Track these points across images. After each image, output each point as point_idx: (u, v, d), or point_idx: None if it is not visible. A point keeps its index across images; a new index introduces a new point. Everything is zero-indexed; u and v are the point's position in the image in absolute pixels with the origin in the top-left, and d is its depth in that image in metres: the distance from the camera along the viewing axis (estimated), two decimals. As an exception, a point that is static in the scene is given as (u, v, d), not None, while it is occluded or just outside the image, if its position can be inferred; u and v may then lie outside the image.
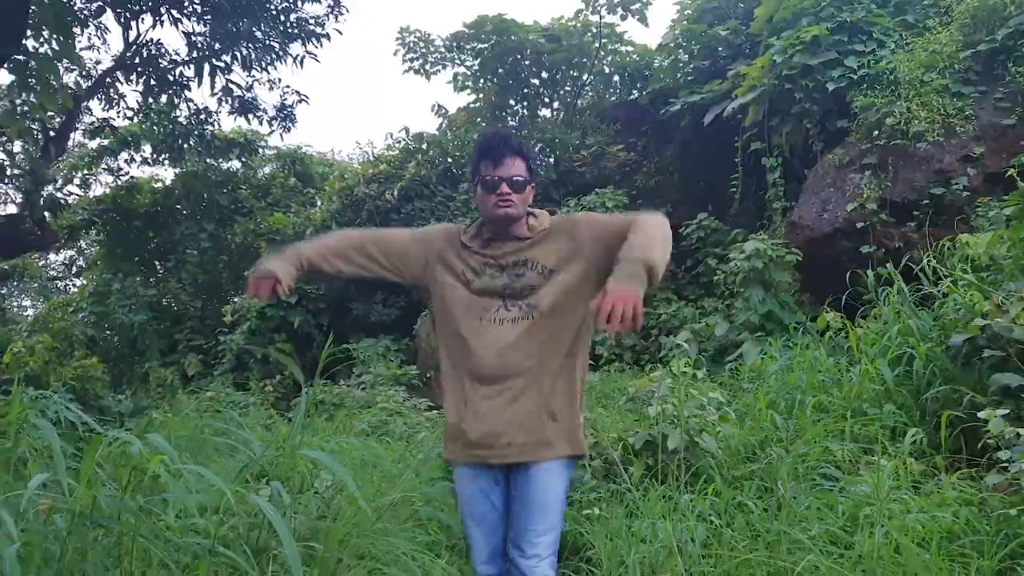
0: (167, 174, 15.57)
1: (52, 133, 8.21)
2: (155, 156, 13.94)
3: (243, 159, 14.67)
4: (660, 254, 2.15)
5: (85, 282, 15.84)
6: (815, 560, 2.28)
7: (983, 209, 6.12)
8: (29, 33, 7.20)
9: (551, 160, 13.47)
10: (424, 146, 13.71)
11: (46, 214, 7.49)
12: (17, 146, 9.58)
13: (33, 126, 7.88)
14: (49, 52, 6.88)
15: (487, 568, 2.39)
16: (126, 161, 13.05)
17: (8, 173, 7.23)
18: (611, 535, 3.26)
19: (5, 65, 6.97)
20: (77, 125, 9.31)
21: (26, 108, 7.17)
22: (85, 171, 13.32)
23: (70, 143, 10.77)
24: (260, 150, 15.19)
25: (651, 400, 4.38)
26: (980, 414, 2.82)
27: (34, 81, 6.90)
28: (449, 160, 13.63)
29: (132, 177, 13.33)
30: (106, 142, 13.58)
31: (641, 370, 8.55)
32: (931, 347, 4.59)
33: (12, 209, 10.35)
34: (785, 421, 4.55)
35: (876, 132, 7.40)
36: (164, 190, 14.61)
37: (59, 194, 9.44)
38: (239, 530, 2.27)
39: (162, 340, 13.78)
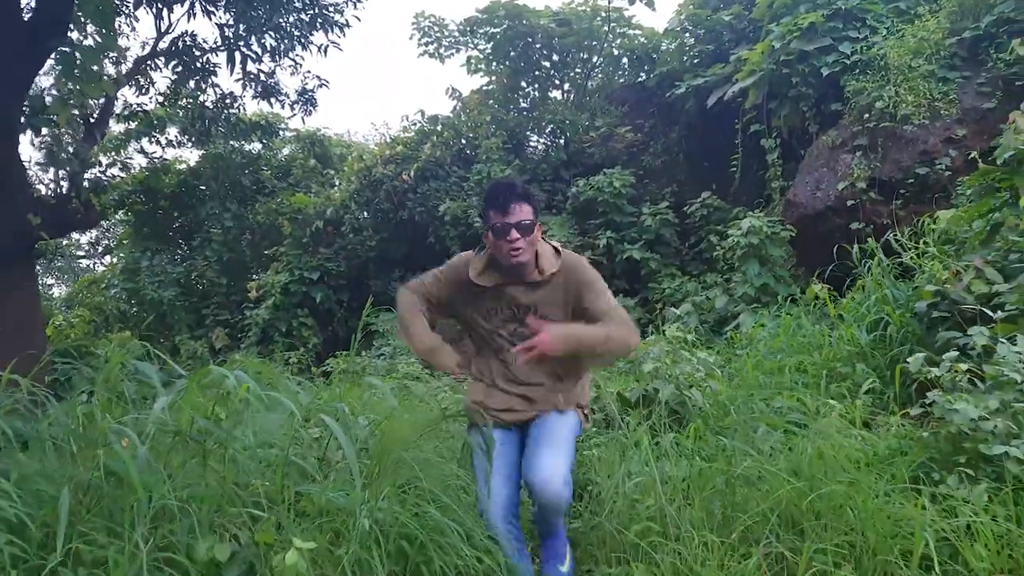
0: (190, 156, 16.14)
1: (92, 119, 8.77)
2: (179, 139, 14.51)
3: (264, 141, 15.19)
4: (595, 347, 2.67)
5: (115, 260, 16.45)
6: (755, 465, 2.80)
7: (962, 188, 6.56)
8: (72, 26, 7.71)
9: (561, 141, 13.91)
10: (439, 128, 14.16)
11: (91, 195, 8.05)
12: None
13: (74, 112, 8.41)
14: (92, 43, 7.38)
15: (503, 523, 2.57)
16: (151, 141, 13.52)
17: (58, 158, 7.76)
18: (609, 473, 3.79)
19: (52, 56, 7.50)
20: (113, 111, 9.83)
21: (70, 97, 7.70)
22: (114, 154, 13.85)
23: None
24: (280, 132, 15.69)
25: (646, 359, 4.90)
26: (914, 361, 3.30)
27: (78, 71, 7.42)
28: (463, 141, 14.08)
29: (163, 159, 13.85)
30: (133, 126, 14.12)
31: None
32: (903, 313, 5.09)
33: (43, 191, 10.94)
34: (768, 379, 5.07)
35: (867, 115, 7.84)
36: (189, 171, 15.15)
37: (103, 176, 10.00)
38: (306, 444, 2.84)
39: (190, 315, 14.39)
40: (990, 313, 3.90)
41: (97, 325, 13.24)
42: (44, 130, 8.19)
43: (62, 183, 9.24)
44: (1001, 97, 7.17)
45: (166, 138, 14.70)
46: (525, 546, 2.70)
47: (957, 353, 3.12)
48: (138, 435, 2.49)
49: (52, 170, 9.92)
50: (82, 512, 2.48)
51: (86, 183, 8.26)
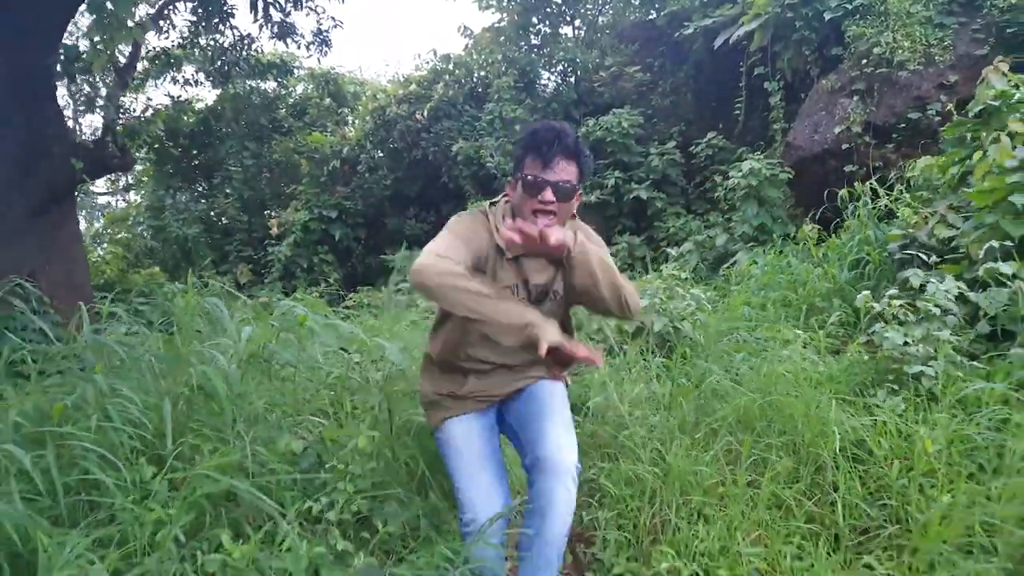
0: (208, 96, 16.46)
1: (121, 65, 9.19)
2: (196, 78, 14.85)
3: (279, 80, 15.51)
4: (597, 260, 2.14)
5: (138, 198, 17.00)
6: (725, 383, 3.39)
7: (943, 135, 6.97)
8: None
9: (572, 80, 14.18)
10: (451, 67, 14.44)
11: (126, 139, 8.53)
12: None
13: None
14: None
15: (498, 530, 2.16)
16: (173, 81, 13.89)
17: (95, 103, 8.24)
18: (605, 392, 4.39)
19: (85, 4, 7.90)
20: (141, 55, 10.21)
21: (102, 44, 8.11)
22: (136, 96, 14.25)
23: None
24: (295, 71, 15.99)
25: (643, 295, 5.46)
26: (858, 298, 3.84)
27: (108, 20, 7.82)
28: (475, 80, 14.37)
29: (184, 100, 14.23)
30: (151, 66, 14.47)
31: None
32: (880, 253, 5.60)
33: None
34: (753, 312, 5.62)
35: (865, 60, 8.16)
36: (208, 110, 15.55)
37: (136, 120, 10.46)
38: (362, 366, 3.46)
39: (214, 251, 15.00)
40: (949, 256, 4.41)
41: (128, 261, 13.89)
42: (79, 77, 8.64)
43: (97, 128, 9.73)
44: (993, 44, 7.47)
45: (183, 77, 15.06)
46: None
47: (896, 290, 3.64)
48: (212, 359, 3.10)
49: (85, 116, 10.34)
50: (180, 419, 3.10)
51: (120, 127, 8.74)
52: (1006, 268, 3.30)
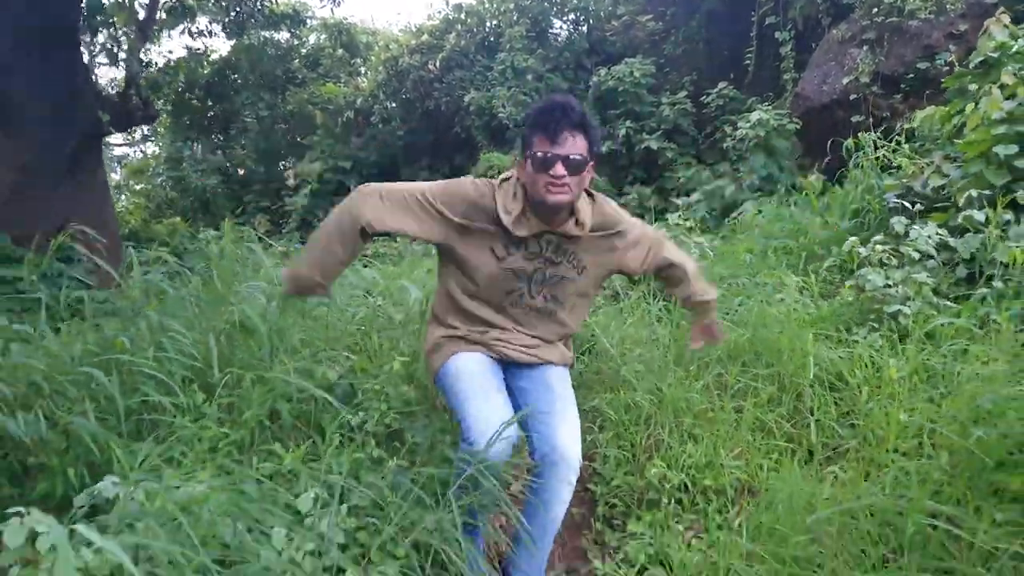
0: (222, 47, 16.55)
1: (141, 17, 9.37)
2: (210, 28, 14.95)
3: (292, 31, 15.61)
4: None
5: (156, 149, 17.28)
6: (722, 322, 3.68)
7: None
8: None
9: (584, 28, 14.20)
10: (463, 16, 14.47)
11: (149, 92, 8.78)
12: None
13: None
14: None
15: (505, 444, 2.10)
16: (189, 34, 14.03)
17: (117, 57, 8.48)
18: (610, 335, 4.70)
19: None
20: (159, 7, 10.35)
21: (124, -1, 8.34)
22: (156, 47, 14.40)
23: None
24: (307, 22, 16.07)
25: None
26: (845, 244, 4.10)
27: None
28: (487, 29, 14.40)
29: (200, 51, 14.38)
30: (166, 17, 14.59)
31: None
32: (879, 203, 5.82)
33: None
34: (755, 260, 5.89)
35: (876, 9, 8.23)
36: (223, 62, 15.69)
37: (157, 74, 10.69)
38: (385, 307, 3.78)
39: (231, 202, 15.31)
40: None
41: (150, 211, 14.25)
42: (101, 31, 8.87)
43: (113, 80, 9.97)
44: (1005, -8, 7.53)
45: (197, 28, 15.17)
46: None
47: (881, 236, 3.90)
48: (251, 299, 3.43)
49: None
50: (223, 351, 3.44)
51: (143, 80, 8.98)
52: (979, 216, 3.55)
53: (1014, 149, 3.75)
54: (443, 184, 2.32)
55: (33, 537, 1.79)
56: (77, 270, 7.86)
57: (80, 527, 1.68)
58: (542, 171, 2.11)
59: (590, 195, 2.33)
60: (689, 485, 2.72)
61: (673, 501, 2.69)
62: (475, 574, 2.21)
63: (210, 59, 15.85)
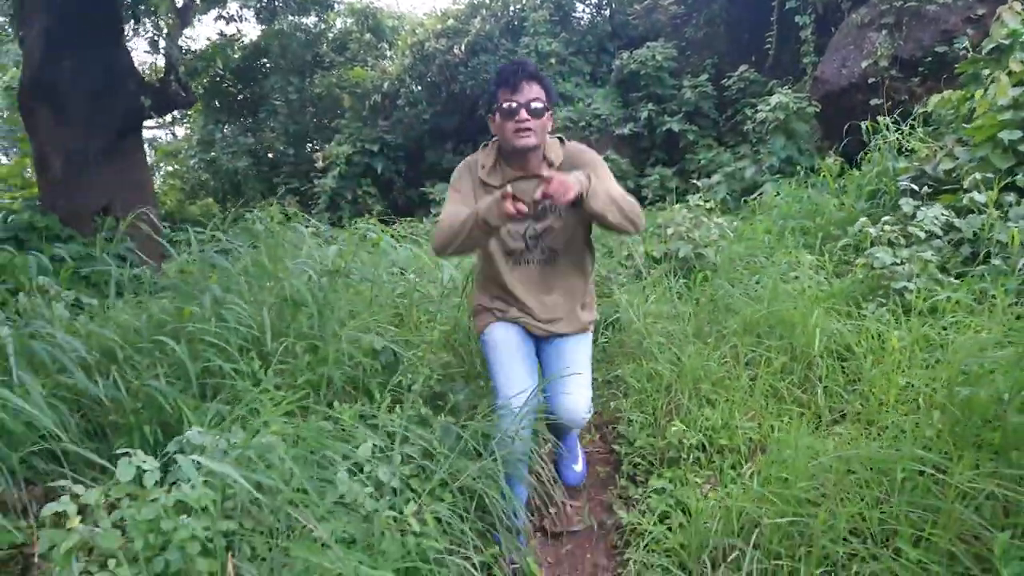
0: (251, 32, 16.81)
1: (179, 5, 9.67)
2: (240, 13, 15.21)
3: (320, 15, 15.86)
4: (604, 198, 2.38)
5: (187, 132, 17.65)
6: (737, 299, 3.93)
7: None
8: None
9: (607, 12, 14.33)
10: (488, 0, 14.64)
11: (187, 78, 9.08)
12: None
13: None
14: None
15: (517, 400, 2.52)
16: (223, 19, 14.31)
17: (159, 44, 8.79)
18: (634, 309, 4.96)
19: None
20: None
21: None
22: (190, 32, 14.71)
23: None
24: (335, 6, 16.31)
25: (670, 225, 5.96)
26: (856, 225, 4.31)
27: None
28: (511, 13, 14.56)
29: (234, 36, 14.67)
30: (200, 3, 14.89)
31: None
32: (894, 185, 6.00)
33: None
34: (773, 240, 6.10)
35: (895, -7, 8.34)
36: (253, 46, 15.98)
37: (195, 60, 11.00)
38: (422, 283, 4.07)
39: (262, 183, 15.65)
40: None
41: (185, 192, 14.63)
42: (143, 19, 9.19)
43: (156, 68, 10.28)
44: (1022, -22, 7.61)
45: (228, 13, 15.45)
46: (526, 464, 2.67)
47: (891, 217, 4.11)
48: (302, 275, 3.73)
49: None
50: (275, 323, 3.74)
51: (182, 67, 9.30)
52: (980, 197, 3.74)
53: (1018, 134, 3.94)
54: (451, 196, 2.68)
55: (140, 474, 2.09)
56: (121, 248, 8.26)
57: (185, 458, 1.99)
58: (508, 118, 2.47)
59: (561, 141, 2.69)
60: (706, 444, 2.98)
61: (691, 459, 2.95)
62: (513, 518, 2.51)
63: (240, 43, 16.15)
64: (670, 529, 2.52)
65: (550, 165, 2.57)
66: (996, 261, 3.46)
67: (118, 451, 2.17)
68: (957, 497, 1.90)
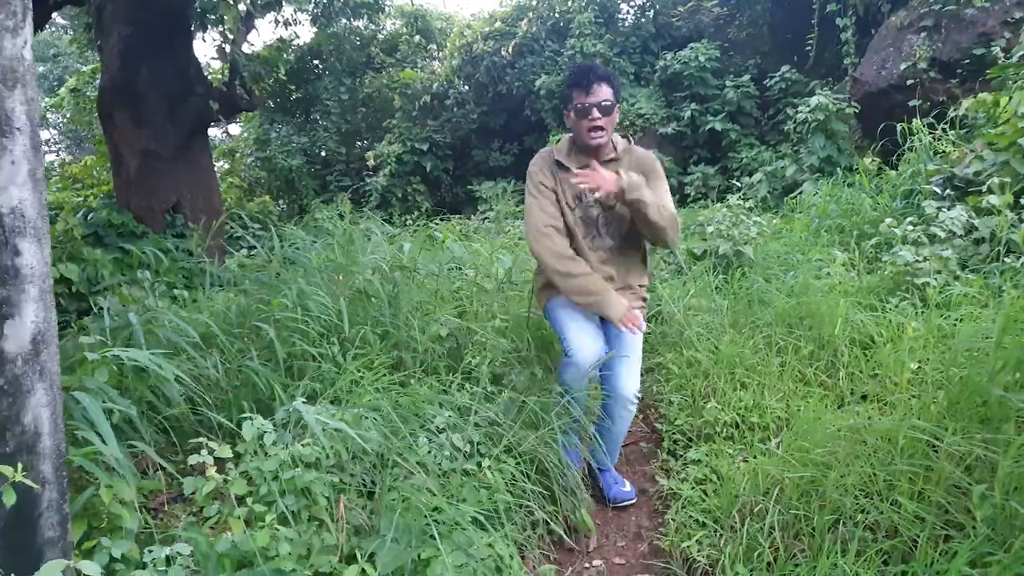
0: (304, 34, 17.31)
1: (242, 12, 10.24)
2: (295, 19, 15.77)
3: (370, 18, 16.36)
4: (654, 207, 2.81)
5: (243, 132, 18.32)
6: (771, 293, 4.27)
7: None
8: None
9: (651, 14, 14.58)
10: (534, 3, 15.01)
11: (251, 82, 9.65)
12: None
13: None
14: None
15: (590, 370, 2.90)
16: (278, 23, 14.85)
17: (225, 51, 9.35)
18: (676, 302, 5.31)
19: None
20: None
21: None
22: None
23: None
24: (386, 9, 16.81)
25: (711, 223, 6.29)
26: (883, 224, 4.60)
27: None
28: (557, 15, 14.90)
29: (289, 40, 15.27)
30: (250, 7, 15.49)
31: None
32: (928, 185, 6.24)
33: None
34: (810, 237, 6.39)
35: (934, -3, 8.52)
36: (307, 48, 16.58)
37: (259, 66, 11.60)
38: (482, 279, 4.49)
39: (315, 181, 16.24)
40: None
41: (243, 190, 15.30)
42: (211, 28, 9.79)
43: (219, 71, 10.86)
44: (1061, -19, 7.75)
45: (283, 17, 16.02)
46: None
47: (915, 217, 4.40)
48: (374, 269, 4.18)
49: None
50: (350, 311, 4.19)
51: (246, 72, 9.87)
52: (995, 200, 4.02)
53: (1037, 141, 4.20)
54: (528, 180, 3.09)
55: (260, 435, 2.53)
56: (189, 244, 8.86)
57: (310, 414, 2.42)
58: (582, 117, 2.86)
59: (626, 138, 3.11)
60: (739, 422, 3.34)
61: (725, 434, 3.32)
62: (568, 477, 2.91)
63: (294, 46, 16.74)
64: (705, 493, 2.89)
65: (615, 149, 2.99)
66: (1008, 259, 3.74)
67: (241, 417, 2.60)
68: (949, 459, 2.25)
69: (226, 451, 2.36)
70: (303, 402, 2.96)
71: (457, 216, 12.93)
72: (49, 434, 1.96)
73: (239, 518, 2.26)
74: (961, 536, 2.05)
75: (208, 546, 2.17)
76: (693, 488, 2.95)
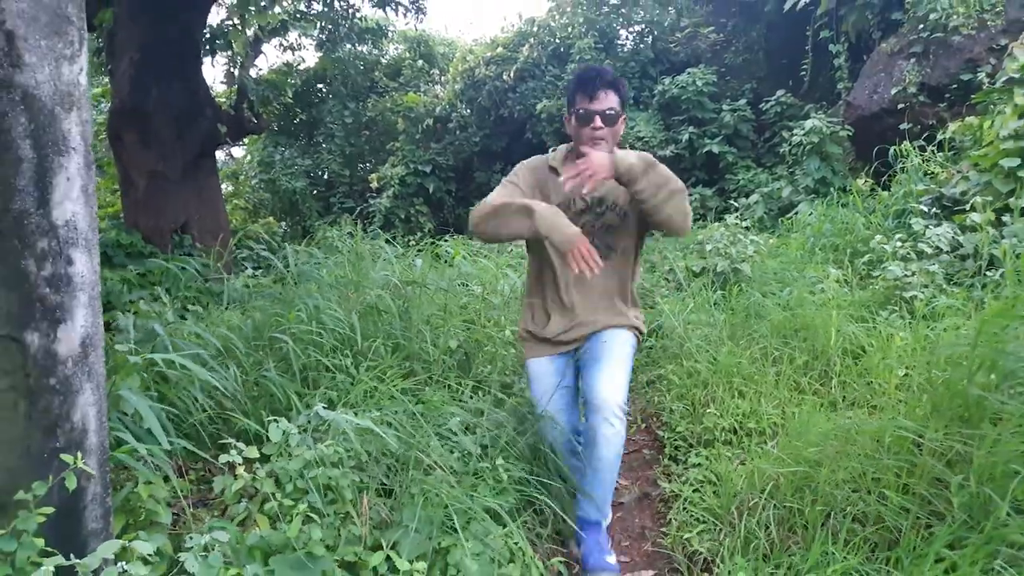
0: (309, 59, 17.62)
1: (251, 38, 10.54)
2: (300, 43, 16.11)
3: (375, 43, 16.71)
4: (651, 176, 2.47)
5: (246, 154, 18.60)
6: (767, 307, 4.45)
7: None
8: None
9: (649, 40, 14.91)
10: (535, 28, 15.35)
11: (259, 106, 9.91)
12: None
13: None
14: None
15: (564, 449, 2.82)
16: (282, 48, 15.18)
17: (235, 76, 9.61)
18: (675, 316, 5.49)
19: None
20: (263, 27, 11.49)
21: (241, 25, 9.44)
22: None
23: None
24: (388, 34, 17.17)
25: (709, 242, 6.48)
26: (873, 241, 4.80)
27: (252, 6, 9.12)
28: (557, 41, 15.24)
29: (295, 64, 15.58)
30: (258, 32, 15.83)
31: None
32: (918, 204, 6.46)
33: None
34: (805, 255, 6.58)
35: (922, 25, 8.79)
36: (312, 72, 16.90)
37: (264, 86, 11.89)
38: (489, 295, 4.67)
39: (318, 203, 16.47)
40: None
41: (248, 212, 15.53)
42: (219, 53, 10.06)
43: (235, 97, 11.12)
44: (1044, 9, 8.03)
45: (287, 42, 16.34)
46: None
47: (904, 234, 4.60)
48: (384, 284, 4.36)
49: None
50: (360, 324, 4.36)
51: (253, 96, 10.13)
52: (977, 217, 4.22)
53: (1017, 161, 4.40)
54: (504, 183, 2.76)
55: (286, 437, 2.68)
56: (198, 263, 9.04)
57: (338, 414, 2.59)
58: (584, 124, 2.59)
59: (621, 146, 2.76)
60: (737, 428, 3.51)
61: (724, 440, 3.48)
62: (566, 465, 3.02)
63: (298, 70, 17.06)
64: (705, 494, 3.05)
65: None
66: (990, 273, 3.93)
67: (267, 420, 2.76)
68: (931, 455, 2.42)
69: (253, 452, 2.52)
70: (324, 407, 3.14)
71: (461, 235, 13.15)
72: (95, 431, 2.12)
73: (266, 516, 2.42)
74: (941, 524, 2.21)
75: (238, 539, 2.33)
76: (694, 490, 3.11)
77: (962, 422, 2.54)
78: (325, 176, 16.97)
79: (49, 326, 1.96)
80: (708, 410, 3.67)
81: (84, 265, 2.05)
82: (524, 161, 2.85)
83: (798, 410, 3.46)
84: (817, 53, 11.17)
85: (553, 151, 2.87)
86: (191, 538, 2.19)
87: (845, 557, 2.19)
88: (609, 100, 2.60)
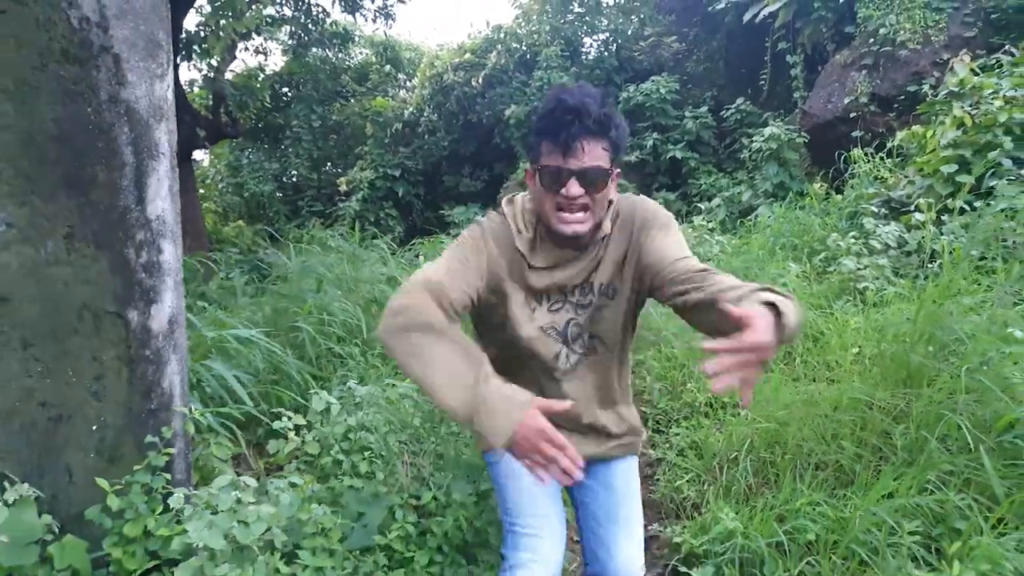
0: (275, 63, 17.67)
1: (228, 44, 10.75)
2: (266, 48, 16.30)
3: (342, 48, 16.95)
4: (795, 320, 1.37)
5: (214, 157, 18.65)
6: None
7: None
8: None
9: (613, 48, 15.44)
10: (503, 35, 15.77)
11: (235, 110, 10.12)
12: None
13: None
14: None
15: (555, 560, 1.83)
16: (254, 50, 15.29)
17: (212, 81, 9.82)
18: (654, 305, 5.93)
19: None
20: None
21: (219, 30, 9.68)
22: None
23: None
24: (355, 39, 17.42)
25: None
26: (829, 239, 5.31)
27: (231, 12, 9.37)
28: (524, 48, 15.67)
29: (264, 68, 15.77)
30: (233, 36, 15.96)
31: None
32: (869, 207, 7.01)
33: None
34: (765, 255, 7.09)
35: (872, 39, 9.42)
36: (278, 76, 17.06)
37: (242, 94, 12.07)
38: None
39: (286, 207, 16.64)
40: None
41: (218, 215, 15.66)
42: (196, 59, 10.29)
43: (210, 101, 11.32)
44: (981, 27, 8.70)
45: (254, 46, 16.47)
46: None
47: (856, 233, 5.12)
48: (379, 280, 4.73)
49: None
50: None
51: (230, 101, 10.36)
52: (920, 217, 4.75)
53: (955, 167, 4.95)
54: (455, 251, 1.76)
55: (327, 407, 3.04)
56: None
57: (374, 388, 2.96)
58: (553, 188, 1.68)
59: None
60: (713, 402, 3.95)
61: (702, 412, 3.93)
62: None
63: (266, 74, 17.21)
64: (687, 457, 3.49)
65: (600, 230, 1.80)
66: (931, 266, 4.45)
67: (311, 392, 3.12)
68: (880, 412, 2.89)
69: (300, 419, 2.87)
70: (355, 383, 3.50)
71: (430, 238, 13.48)
72: (179, 396, 2.47)
73: (316, 474, 2.78)
74: (888, 466, 2.67)
75: (299, 491, 2.68)
76: (678, 453, 3.54)
77: (905, 385, 3.01)
78: (293, 180, 17.14)
79: (145, 305, 2.31)
80: (686, 387, 4.11)
81: (171, 254, 2.40)
82: (486, 223, 1.83)
83: (767, 385, 3.92)
84: (775, 63, 11.79)
85: (510, 205, 1.88)
86: (272, 481, 2.54)
87: (810, 494, 2.64)
88: (594, 154, 1.65)
